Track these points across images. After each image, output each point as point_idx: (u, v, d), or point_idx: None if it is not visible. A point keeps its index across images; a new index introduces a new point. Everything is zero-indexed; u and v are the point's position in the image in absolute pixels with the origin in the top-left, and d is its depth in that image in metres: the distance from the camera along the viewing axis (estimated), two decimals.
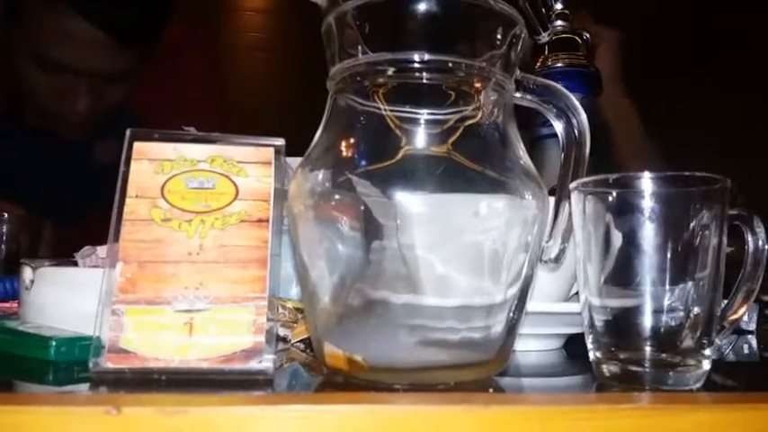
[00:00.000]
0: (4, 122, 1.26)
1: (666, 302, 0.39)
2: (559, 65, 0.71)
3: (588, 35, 0.72)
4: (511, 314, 0.39)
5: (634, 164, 0.96)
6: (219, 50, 1.78)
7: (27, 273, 0.49)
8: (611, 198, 0.41)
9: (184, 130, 0.61)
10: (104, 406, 0.29)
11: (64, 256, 0.59)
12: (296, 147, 0.46)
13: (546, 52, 0.72)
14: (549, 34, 0.70)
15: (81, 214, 1.15)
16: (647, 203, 0.40)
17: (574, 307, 0.45)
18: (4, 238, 0.84)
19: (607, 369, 0.40)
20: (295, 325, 0.53)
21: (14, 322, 0.49)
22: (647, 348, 0.39)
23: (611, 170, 0.42)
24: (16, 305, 0.59)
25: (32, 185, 1.20)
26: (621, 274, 0.40)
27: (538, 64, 0.72)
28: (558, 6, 0.70)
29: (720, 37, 1.59)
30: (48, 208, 1.14)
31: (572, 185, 0.43)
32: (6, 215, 0.85)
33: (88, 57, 1.16)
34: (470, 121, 0.41)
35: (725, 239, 0.40)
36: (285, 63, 1.97)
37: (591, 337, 0.41)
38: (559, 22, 0.70)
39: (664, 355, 0.39)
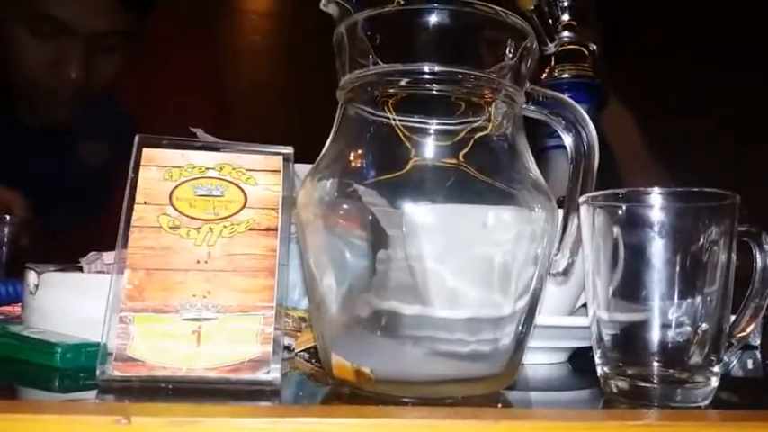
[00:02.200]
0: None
1: (674, 317, 0.39)
2: (566, 76, 0.71)
3: (595, 46, 0.72)
4: (519, 327, 0.39)
5: (638, 179, 0.97)
6: (220, 53, 1.78)
7: (32, 277, 0.49)
8: (620, 212, 0.41)
9: (192, 132, 0.61)
10: (114, 416, 0.29)
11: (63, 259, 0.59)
12: (298, 150, 0.46)
13: (553, 63, 0.72)
14: (555, 45, 0.70)
15: (77, 218, 1.14)
16: (657, 218, 0.40)
17: (582, 320, 0.45)
18: (6, 240, 0.84)
19: (615, 385, 0.40)
20: (299, 334, 0.53)
21: (18, 327, 0.48)
22: (656, 364, 0.39)
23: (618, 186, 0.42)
24: (19, 308, 0.58)
25: (29, 187, 1.19)
26: (630, 288, 0.40)
27: (544, 75, 0.72)
28: (565, 17, 0.70)
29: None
30: (45, 210, 1.14)
31: (581, 199, 0.43)
32: (9, 217, 0.85)
33: (87, 14, 1.14)
34: (480, 133, 0.41)
35: (734, 255, 0.40)
36: (287, 66, 1.97)
37: (599, 351, 0.41)
38: (566, 33, 0.70)
39: (672, 371, 0.39)
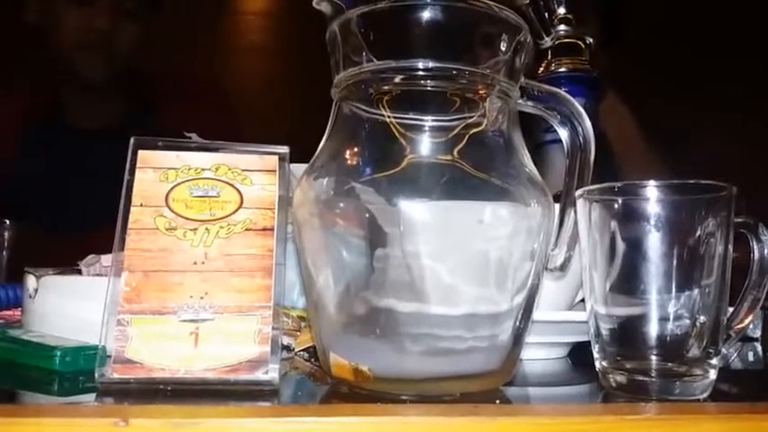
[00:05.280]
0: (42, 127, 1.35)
1: (672, 310, 0.39)
2: (562, 70, 0.70)
3: (591, 39, 0.72)
4: (517, 323, 0.39)
5: (634, 171, 0.97)
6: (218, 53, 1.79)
7: (31, 281, 0.49)
8: (616, 206, 0.41)
9: (187, 137, 0.61)
10: (112, 418, 0.29)
11: (65, 264, 0.59)
12: (296, 151, 0.46)
13: (549, 57, 0.71)
14: (551, 39, 0.70)
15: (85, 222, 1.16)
16: (653, 211, 0.40)
17: (581, 315, 0.45)
18: (6, 245, 0.84)
19: (613, 379, 0.40)
20: (298, 333, 0.53)
21: (18, 331, 0.48)
22: (654, 358, 0.39)
23: (615, 179, 0.42)
24: (19, 313, 0.58)
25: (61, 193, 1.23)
26: (627, 281, 0.40)
27: (541, 69, 0.71)
28: (561, 11, 0.70)
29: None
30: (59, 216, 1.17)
31: (578, 193, 0.43)
32: (8, 222, 0.85)
33: None
34: (475, 129, 0.40)
35: (731, 247, 0.40)
36: (285, 66, 1.97)
37: (597, 346, 0.41)
38: (562, 27, 0.70)
39: (670, 365, 0.39)
